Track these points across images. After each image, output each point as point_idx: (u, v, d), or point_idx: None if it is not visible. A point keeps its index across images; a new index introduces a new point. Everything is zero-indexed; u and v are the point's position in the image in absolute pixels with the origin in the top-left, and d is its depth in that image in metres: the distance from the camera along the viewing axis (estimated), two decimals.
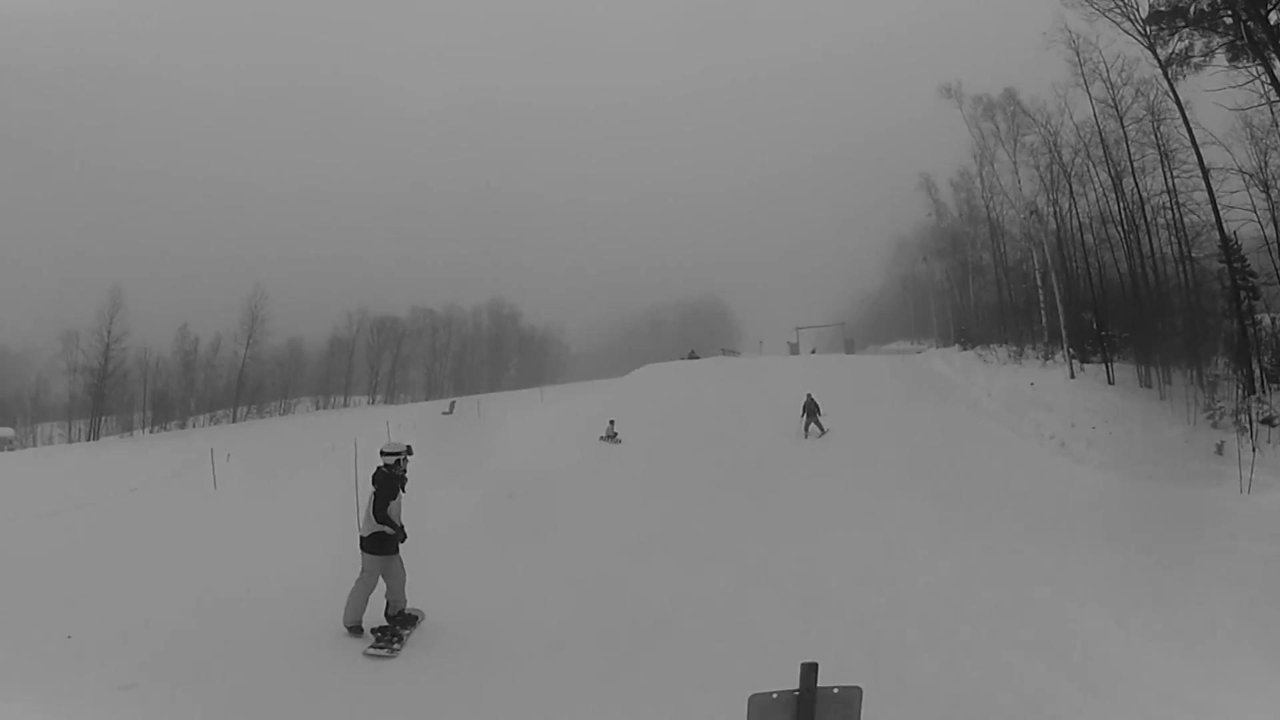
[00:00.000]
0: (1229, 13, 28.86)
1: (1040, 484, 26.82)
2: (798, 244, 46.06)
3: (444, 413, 45.00)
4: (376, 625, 13.57)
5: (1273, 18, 27.70)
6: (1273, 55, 27.76)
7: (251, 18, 50.46)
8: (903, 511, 23.01)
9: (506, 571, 17.45)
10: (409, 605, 14.03)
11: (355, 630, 13.67)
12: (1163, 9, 30.39)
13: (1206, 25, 29.44)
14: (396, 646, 13.27)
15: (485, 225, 49.18)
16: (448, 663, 12.81)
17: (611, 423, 34.38)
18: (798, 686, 6.37)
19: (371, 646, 13.22)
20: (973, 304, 43.52)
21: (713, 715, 10.17)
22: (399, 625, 13.71)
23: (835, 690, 6.42)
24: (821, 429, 33.01)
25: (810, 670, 6.37)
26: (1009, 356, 38.51)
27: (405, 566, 13.95)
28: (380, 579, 13.82)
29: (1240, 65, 28.88)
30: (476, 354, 52.83)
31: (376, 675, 12.46)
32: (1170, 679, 12.45)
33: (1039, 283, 37.65)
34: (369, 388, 51.05)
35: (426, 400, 50.05)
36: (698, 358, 47.00)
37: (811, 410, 33.42)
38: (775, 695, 6.34)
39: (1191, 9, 29.65)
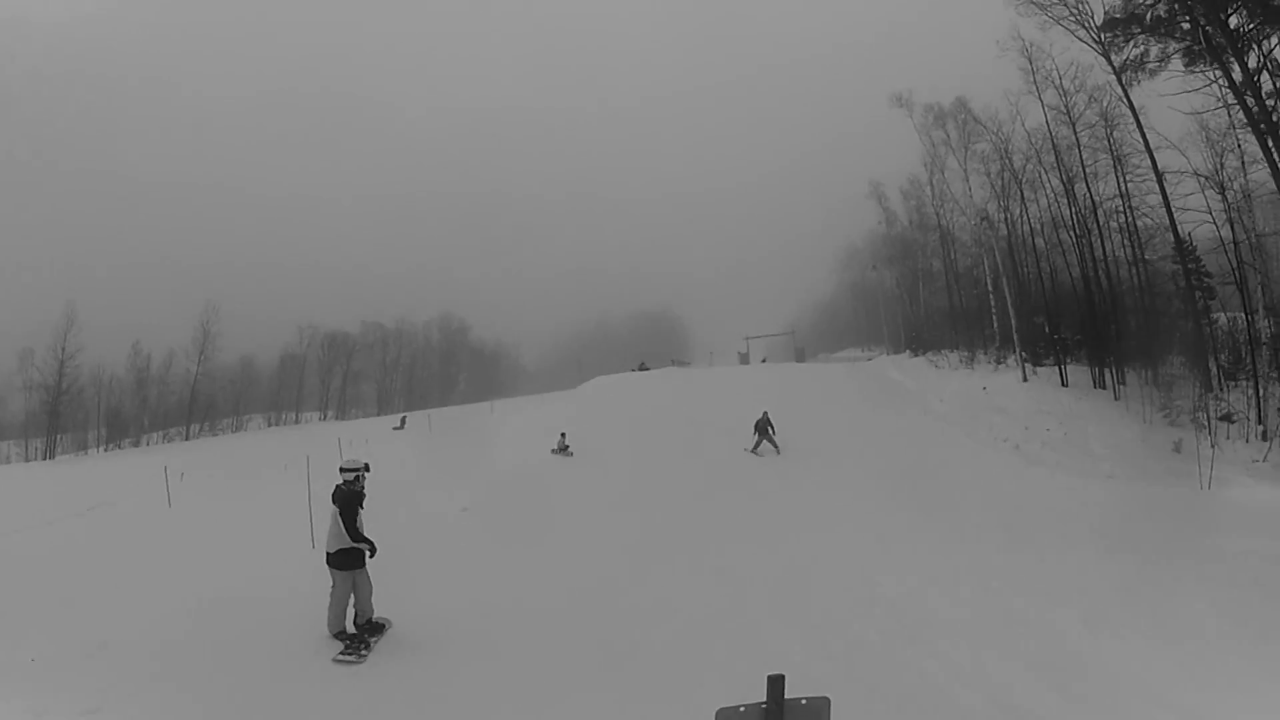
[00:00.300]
0: (1186, 18, 29.23)
1: (998, 487, 26.96)
2: (748, 252, 46.11)
3: (395, 428, 44.45)
4: (345, 633, 14.15)
5: (1233, 22, 28.16)
6: (1231, 59, 28.19)
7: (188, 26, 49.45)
8: (862, 516, 23.17)
9: (464, 582, 17.63)
10: (376, 614, 14.56)
11: (340, 636, 14.18)
12: (1118, 16, 30.77)
13: (1163, 31, 29.82)
14: (364, 653, 13.80)
15: (434, 239, 48.69)
16: (412, 667, 13.32)
17: (563, 435, 34.04)
18: (765, 699, 6.27)
19: (341, 653, 13.76)
20: (924, 310, 43.67)
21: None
22: (367, 633, 14.25)
23: (803, 701, 6.32)
24: (776, 447, 32.14)
25: (777, 682, 6.26)
26: (961, 361, 38.76)
27: (370, 578, 14.50)
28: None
29: (1197, 70, 29.24)
30: (427, 368, 52.25)
31: (347, 679, 13.00)
32: (1143, 677, 12.57)
33: (990, 288, 37.83)
34: (320, 403, 50.31)
35: (378, 415, 49.41)
36: (648, 369, 46.86)
37: (764, 428, 32.71)
38: (742, 709, 6.26)
39: (1148, 15, 30.00)
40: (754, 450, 32.14)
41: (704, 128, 47.32)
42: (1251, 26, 27.90)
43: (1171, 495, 24.81)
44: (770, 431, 32.58)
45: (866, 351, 46.49)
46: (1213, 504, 23.72)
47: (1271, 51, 27.81)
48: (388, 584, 14.83)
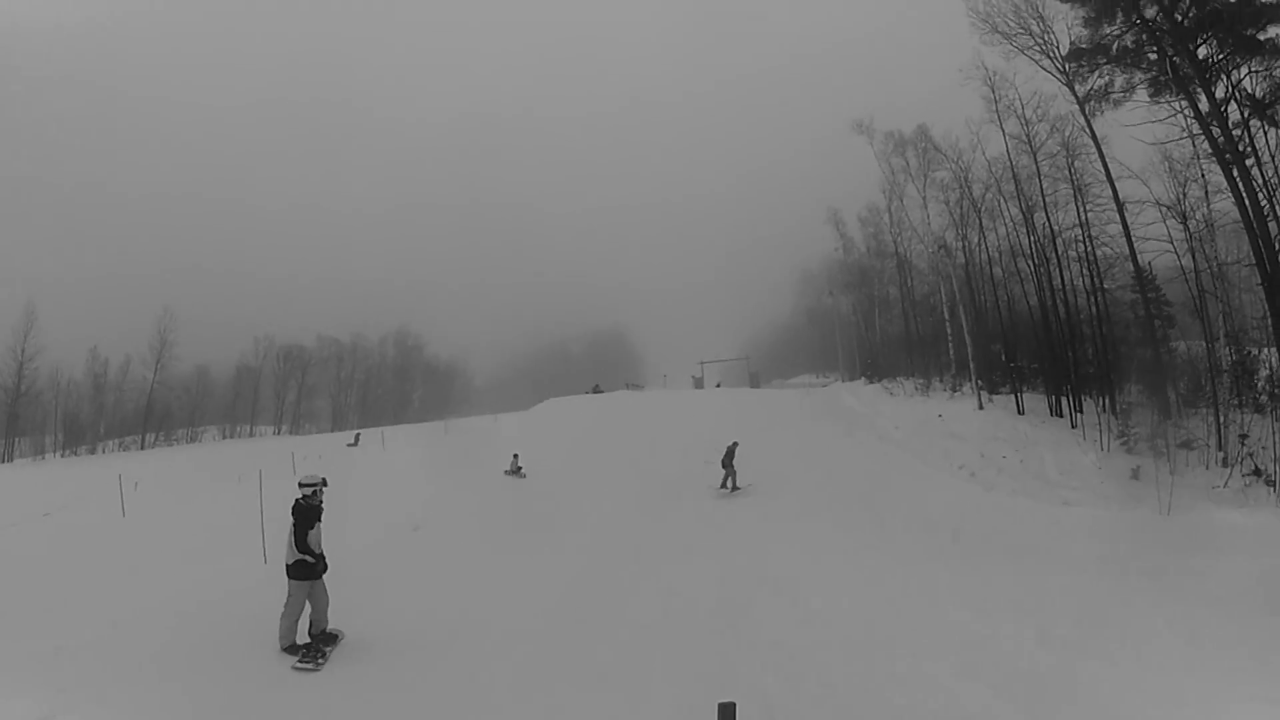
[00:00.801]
0: (1154, 49, 29.45)
1: (952, 511, 26.75)
2: (703, 276, 46.04)
3: (349, 444, 43.78)
4: (297, 646, 14.58)
5: (1201, 52, 28.41)
6: (1197, 89, 28.45)
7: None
8: (814, 539, 23.22)
9: (416, 597, 17.94)
10: (330, 625, 15.11)
11: (292, 649, 14.58)
12: (1084, 47, 30.87)
13: (1129, 62, 30.02)
14: (321, 661, 14.26)
15: (393, 254, 48.07)
16: (368, 675, 13.77)
17: (515, 456, 33.59)
18: None
19: (299, 661, 14.22)
20: (879, 337, 43.69)
21: None
22: (322, 643, 14.74)
23: None
24: (731, 483, 30.23)
25: (728, 710, 6.21)
26: (916, 389, 38.78)
27: (327, 590, 15.10)
28: (306, 601, 14.83)
29: (1162, 100, 29.47)
30: (382, 384, 51.58)
31: (305, 686, 13.47)
32: (1098, 691, 12.64)
33: (947, 316, 37.99)
34: (275, 417, 49.43)
35: (332, 431, 48.63)
36: (602, 391, 46.56)
37: (728, 460, 30.70)
38: None
39: (1114, 46, 30.20)
40: (727, 486, 30.24)
41: (661, 156, 47.36)
42: (1221, 57, 28.26)
43: (1130, 519, 24.63)
44: (731, 466, 30.75)
45: (821, 378, 46.56)
46: (1172, 527, 23.53)
47: (1240, 81, 28.14)
48: (342, 597, 15.19)
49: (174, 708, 12.08)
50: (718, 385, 47.62)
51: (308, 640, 14.71)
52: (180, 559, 21.11)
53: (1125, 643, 14.50)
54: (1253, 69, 28.00)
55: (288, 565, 14.84)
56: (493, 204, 47.40)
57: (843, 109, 39.42)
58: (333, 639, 14.92)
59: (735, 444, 31.12)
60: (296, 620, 14.67)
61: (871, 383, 41.43)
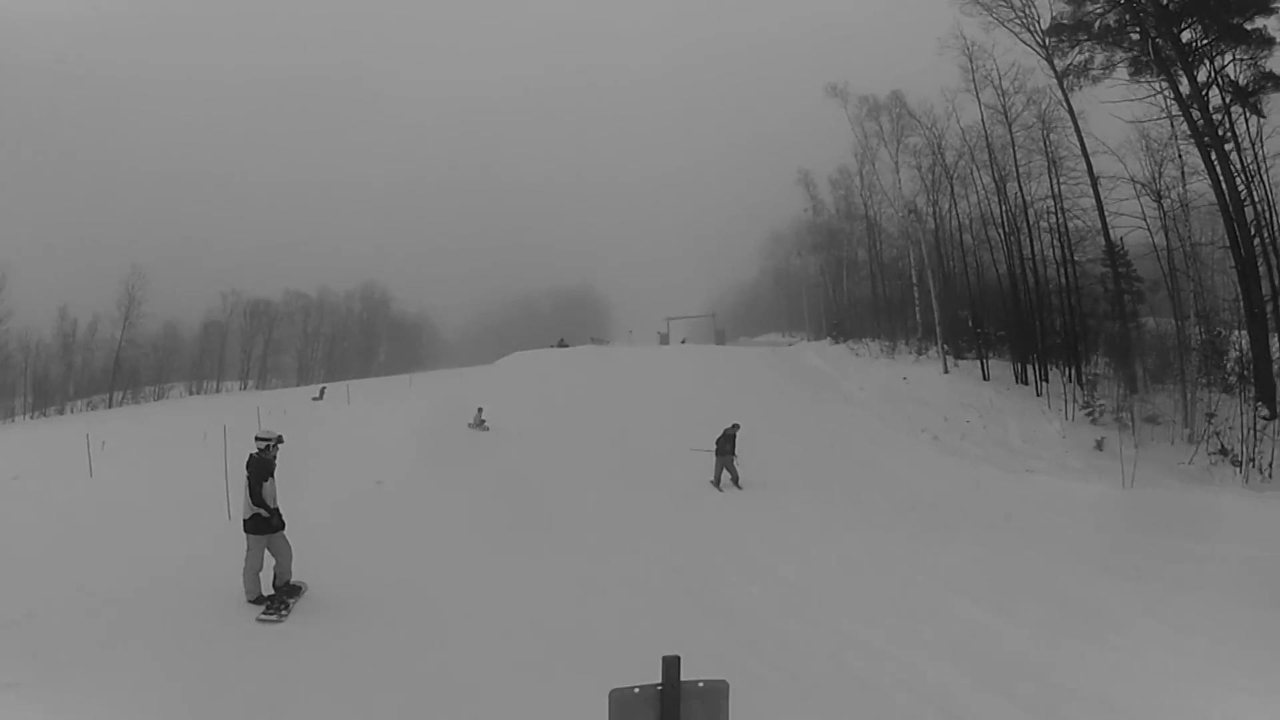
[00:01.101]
0: (1137, 29, 29.51)
1: (914, 476, 27.10)
2: (672, 234, 45.42)
3: (314, 399, 43.19)
4: (263, 597, 14.46)
5: (1185, 36, 28.49)
6: (1179, 71, 28.55)
7: None
8: (774, 499, 23.43)
9: (379, 552, 17.75)
10: (294, 578, 14.92)
11: (257, 601, 14.49)
12: (1065, 22, 30.88)
13: (1111, 40, 30.08)
14: (284, 613, 14.19)
15: (360, 208, 47.24)
16: (331, 626, 13.72)
17: (480, 410, 33.25)
18: (660, 681, 5.99)
19: (263, 613, 14.13)
20: (846, 299, 43.66)
21: (578, 698, 9.87)
22: (285, 595, 14.62)
23: (700, 684, 6.05)
24: (735, 478, 25.74)
25: (673, 664, 5.96)
26: (882, 351, 38.83)
27: (289, 543, 14.92)
28: (268, 554, 14.70)
29: (1142, 80, 29.60)
30: (348, 339, 50.82)
31: (271, 638, 13.40)
32: (1048, 660, 12.66)
33: (915, 280, 38.05)
34: (241, 372, 48.71)
35: (298, 386, 47.99)
36: (567, 346, 46.11)
37: (727, 447, 26.02)
38: (637, 690, 5.99)
39: (1096, 24, 30.22)
40: (716, 483, 25.69)
41: (635, 110, 46.55)
42: (1206, 42, 28.33)
43: (1092, 491, 24.83)
44: (733, 456, 26.00)
45: (787, 337, 46.39)
46: (1134, 502, 23.74)
47: (1224, 68, 28.27)
48: (305, 551, 15.06)
49: (144, 667, 11.87)
50: (683, 341, 47.30)
51: (272, 592, 14.66)
52: (147, 518, 20.56)
53: (1075, 614, 14.60)
54: (1237, 56, 28.11)
55: (244, 520, 14.80)
56: (468, 170, 46.55)
57: (818, 74, 38.72)
58: (296, 591, 14.91)
59: (736, 427, 26.43)
60: (258, 573, 14.68)
61: (837, 343, 41.38)
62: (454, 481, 25.63)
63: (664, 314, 47.29)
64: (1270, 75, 27.77)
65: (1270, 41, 27.51)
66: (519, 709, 11.07)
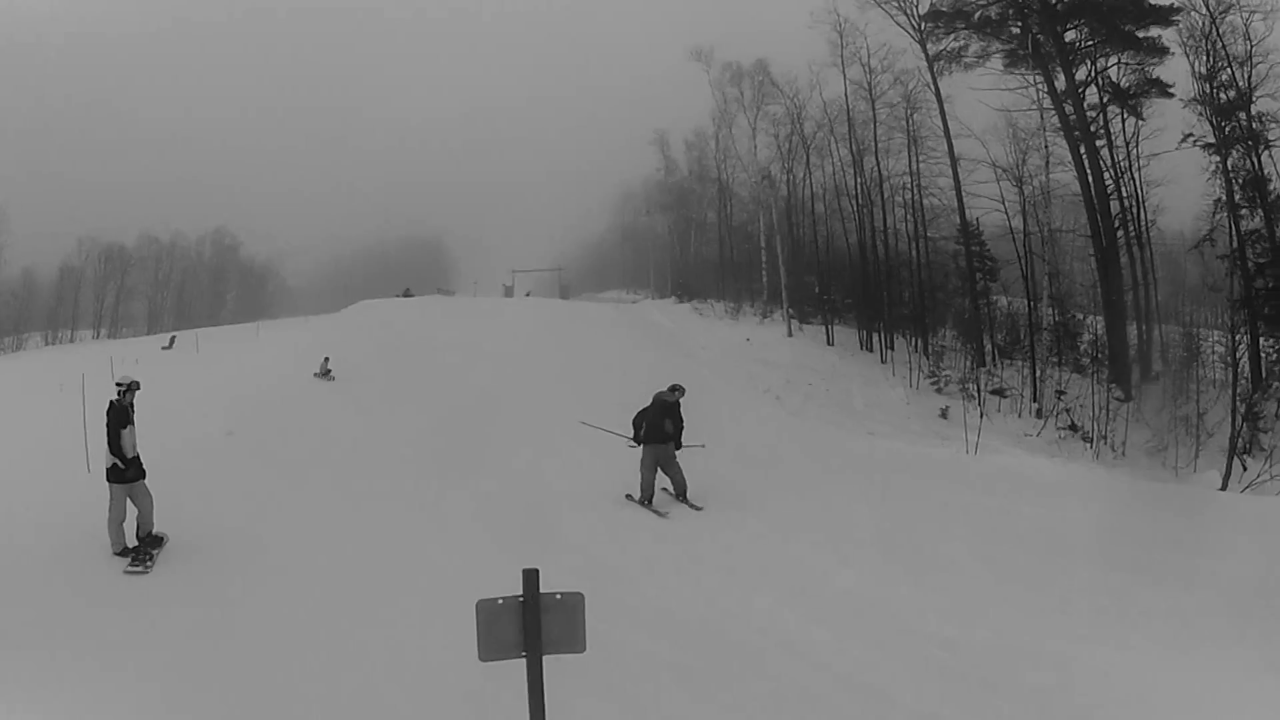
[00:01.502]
0: (1018, 24, 29.58)
1: (756, 432, 26.75)
2: (521, 185, 43.60)
3: (164, 347, 40.27)
4: (128, 549, 14.50)
5: (1069, 35, 28.79)
6: (1056, 68, 28.86)
7: None
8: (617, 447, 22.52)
9: (232, 501, 17.71)
10: (156, 528, 14.95)
11: (124, 552, 14.46)
12: (943, 9, 30.70)
13: (989, 31, 30.06)
14: (149, 564, 14.26)
15: (217, 145, 43.72)
16: (195, 575, 13.94)
17: (326, 359, 31.48)
18: (521, 593, 6.50)
19: (130, 565, 14.18)
20: (693, 259, 43.16)
21: (432, 618, 11.71)
22: (149, 545, 14.65)
23: (558, 596, 6.57)
24: (683, 491, 19.05)
25: (531, 576, 6.49)
26: (727, 312, 38.38)
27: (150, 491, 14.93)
28: (131, 504, 14.68)
29: (1016, 72, 29.77)
30: (197, 285, 47.26)
31: (139, 589, 13.57)
32: (901, 611, 13.22)
33: (763, 244, 37.56)
34: (95, 321, 44.85)
35: (149, 334, 44.53)
36: (412, 295, 44.56)
37: (661, 431, 18.91)
38: (501, 601, 6.49)
39: (976, 14, 30.16)
40: (645, 498, 18.85)
41: (491, 51, 44.46)
42: (1091, 44, 28.67)
43: (935, 455, 24.86)
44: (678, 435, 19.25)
45: (632, 294, 45.63)
46: (976, 467, 23.75)
47: (1106, 69, 28.69)
48: (162, 500, 15.04)
49: (12, 624, 11.67)
50: (528, 294, 45.96)
51: (135, 543, 14.60)
52: (4, 473, 19.12)
53: (922, 566, 15.27)
54: (1124, 61, 28.58)
55: (106, 469, 14.74)
56: (317, 107, 43.61)
57: (683, 35, 37.68)
58: (158, 541, 14.81)
59: (678, 392, 19.75)
60: (122, 524, 14.58)
61: (682, 302, 40.84)
62: (300, 432, 24.48)
63: (510, 266, 46.01)
64: (1156, 81, 28.20)
65: (1163, 51, 27.93)
66: (384, 647, 11.62)
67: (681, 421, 19.50)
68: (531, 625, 6.48)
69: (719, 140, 39.88)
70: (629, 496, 19.24)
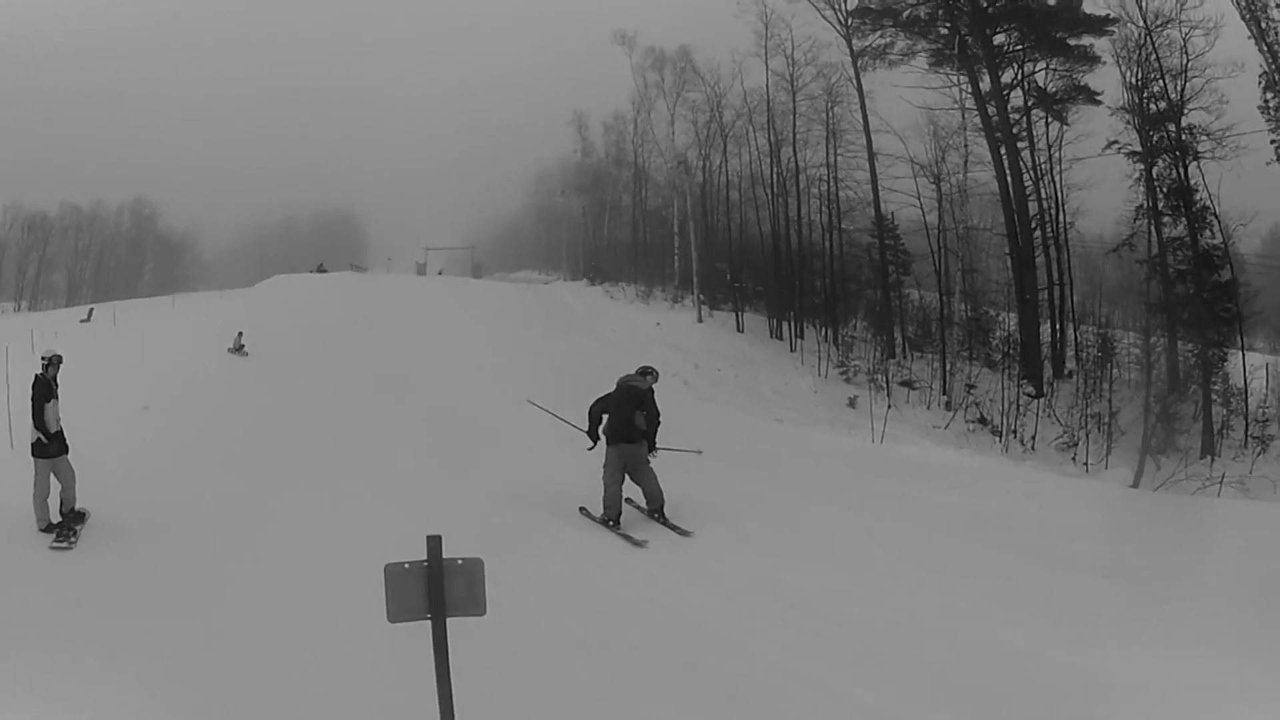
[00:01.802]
0: (947, 24, 29.20)
1: (666, 416, 26.35)
2: (436, 164, 42.17)
3: (82, 320, 38.33)
4: (53, 525, 14.08)
5: (998, 39, 28.57)
6: (982, 70, 28.57)
7: None
8: (526, 424, 21.86)
9: (151, 476, 17.15)
10: (78, 504, 14.40)
11: (49, 529, 14.00)
12: (872, 6, 30.16)
13: (917, 31, 29.63)
14: (73, 540, 13.82)
15: (132, 114, 41.41)
16: (117, 551, 13.61)
17: (240, 334, 30.30)
18: (425, 558, 6.70)
19: (54, 541, 13.75)
20: (607, 242, 42.09)
21: (339, 584, 11.34)
22: (72, 521, 14.18)
23: (459, 561, 6.79)
24: (659, 506, 15.39)
25: (435, 542, 6.69)
26: (638, 296, 37.56)
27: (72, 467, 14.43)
28: (54, 479, 14.16)
29: (941, 71, 29.40)
30: (116, 257, 44.83)
31: (64, 565, 13.24)
32: (799, 587, 13.02)
33: (676, 230, 36.90)
34: (16, 292, 42.33)
35: (68, 306, 42.21)
36: (326, 271, 43.01)
37: (632, 427, 15.45)
38: (407, 565, 6.70)
39: (905, 13, 29.68)
40: (611, 517, 15.17)
41: (405, 40, 42.87)
42: (1020, 48, 28.43)
43: (842, 444, 24.78)
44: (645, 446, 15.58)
45: (544, 275, 44.69)
46: (882, 456, 23.71)
47: (1032, 74, 28.57)
48: (83, 476, 14.62)
49: None
50: (440, 273, 44.51)
51: (59, 520, 14.12)
52: None
53: (822, 547, 14.94)
54: (1052, 67, 28.52)
55: (31, 444, 14.20)
56: (238, 75, 41.52)
57: (607, 18, 36.76)
58: (80, 517, 14.29)
59: (649, 376, 16.43)
60: (46, 499, 14.10)
61: (594, 285, 39.86)
62: (214, 408, 23.72)
63: (423, 244, 44.72)
64: (1084, 88, 28.15)
65: (1094, 59, 27.84)
66: (301, 614, 11.38)
67: (657, 415, 15.66)
68: (435, 589, 6.71)
69: (637, 124, 38.95)
70: (584, 511, 15.69)
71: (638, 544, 14.59)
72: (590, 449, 15.83)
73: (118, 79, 40.73)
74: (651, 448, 15.48)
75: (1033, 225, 28.21)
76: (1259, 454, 24.98)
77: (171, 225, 44.34)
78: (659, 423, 15.66)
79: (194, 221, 43.72)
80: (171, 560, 13.23)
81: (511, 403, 22.43)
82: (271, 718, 9.24)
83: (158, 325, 35.94)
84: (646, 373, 16.25)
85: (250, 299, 38.15)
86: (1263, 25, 25.09)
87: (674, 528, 15.13)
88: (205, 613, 11.48)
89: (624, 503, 15.52)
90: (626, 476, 15.36)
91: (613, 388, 16.10)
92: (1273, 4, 24.77)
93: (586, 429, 15.85)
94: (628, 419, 15.36)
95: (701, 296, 34.75)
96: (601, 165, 41.70)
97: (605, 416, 15.63)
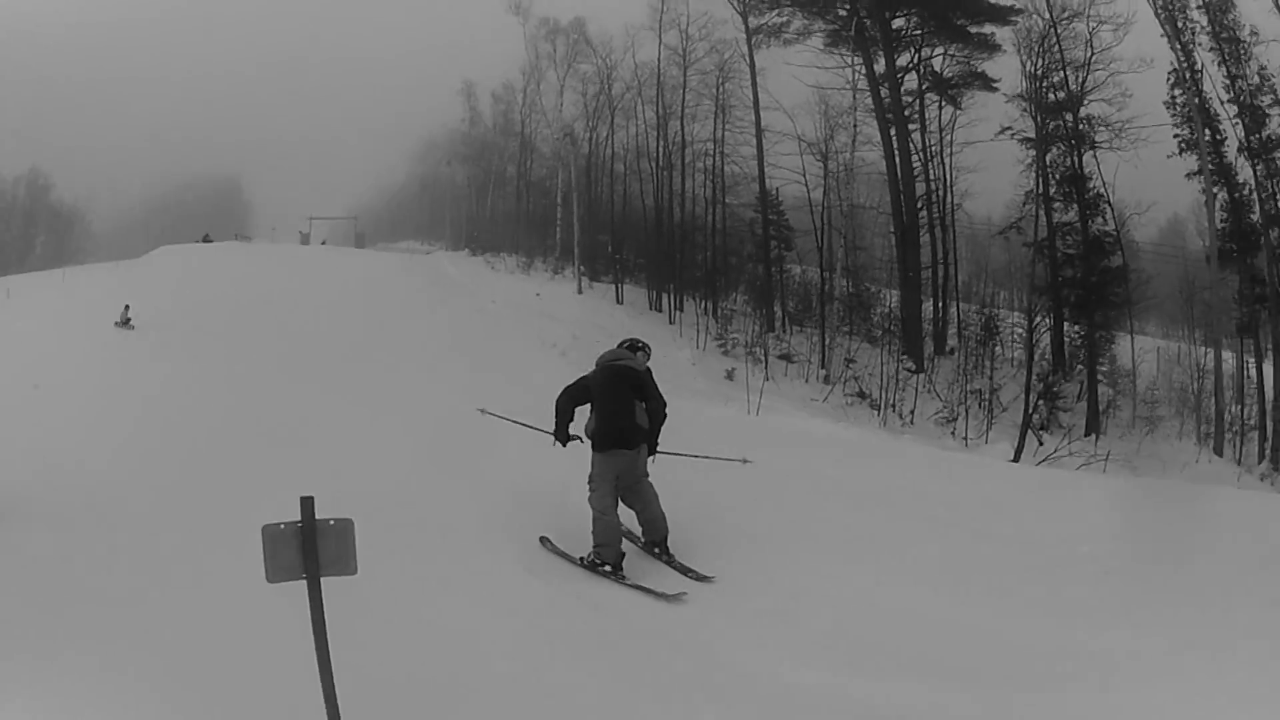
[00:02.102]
0: (845, 6, 28.59)
1: (536, 383, 25.61)
2: (320, 134, 40.40)
3: None
4: None
5: (897, 23, 28.15)
6: (878, 53, 28.16)
7: None
8: (412, 389, 22.41)
9: (44, 458, 15.68)
10: None
11: None
12: None
13: (814, 11, 29.06)
14: None
15: (25, 77, 38.46)
16: (27, 529, 12.38)
17: (127, 307, 28.60)
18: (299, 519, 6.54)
19: None
20: (490, 213, 40.88)
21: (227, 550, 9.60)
22: None
23: (331, 522, 6.65)
24: (663, 540, 11.08)
25: (308, 503, 6.55)
26: (518, 266, 36.53)
27: None
28: None
29: (836, 52, 28.86)
30: (10, 230, 42.00)
31: None
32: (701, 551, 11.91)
33: (559, 201, 35.89)
34: None
35: None
36: (211, 241, 40.95)
37: (630, 417, 11.18)
38: (283, 526, 6.57)
39: None
40: (612, 563, 10.51)
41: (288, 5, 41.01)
42: (919, 33, 28.04)
43: (718, 415, 23.70)
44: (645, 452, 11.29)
45: (426, 245, 43.16)
46: (756, 425, 23.24)
47: (930, 58, 28.25)
48: None
49: None
50: (323, 243, 42.66)
51: None
52: None
53: (701, 520, 13.45)
54: (950, 53, 28.27)
55: None
56: (127, 48, 39.12)
57: None
58: None
59: (640, 350, 12.31)
60: None
61: (475, 255, 38.72)
62: (103, 385, 22.20)
63: (307, 213, 43.08)
64: (981, 75, 27.96)
65: (994, 48, 27.67)
66: (210, 605, 9.98)
67: (663, 405, 11.37)
68: (309, 549, 6.53)
69: (526, 95, 37.62)
70: (546, 543, 11.49)
71: (670, 598, 10.03)
72: (556, 444, 11.62)
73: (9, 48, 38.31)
74: (652, 451, 11.20)
75: (919, 205, 28.04)
76: (1147, 434, 25.26)
77: (62, 197, 42.10)
78: (664, 416, 11.31)
79: (85, 192, 41.57)
80: (63, 540, 12.10)
81: (406, 370, 23.36)
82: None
83: (48, 299, 33.34)
84: (637, 348, 11.94)
85: (139, 271, 35.93)
86: (1178, 24, 25.37)
87: (686, 570, 10.72)
88: (102, 589, 10.61)
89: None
90: (620, 499, 11.01)
91: (592, 371, 11.97)
92: (1192, 4, 24.99)
93: (553, 428, 11.41)
94: (623, 412, 11.03)
95: (582, 268, 33.76)
96: (488, 135, 40.48)
97: (590, 411, 11.29)
